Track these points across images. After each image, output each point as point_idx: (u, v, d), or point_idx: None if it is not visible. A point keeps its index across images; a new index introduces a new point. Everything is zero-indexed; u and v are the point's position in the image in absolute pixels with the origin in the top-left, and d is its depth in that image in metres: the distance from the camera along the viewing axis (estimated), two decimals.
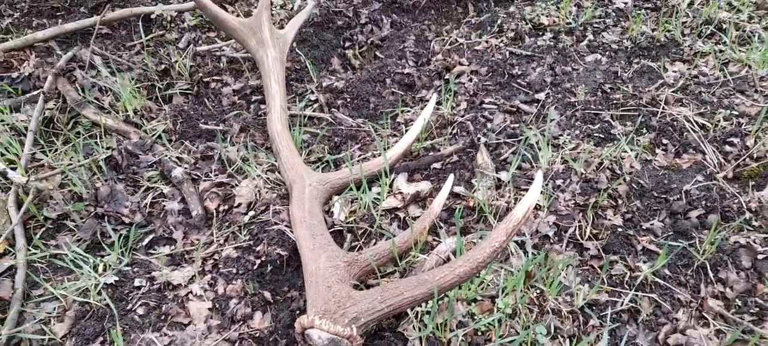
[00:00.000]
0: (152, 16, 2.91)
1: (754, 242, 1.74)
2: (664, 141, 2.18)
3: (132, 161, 2.06)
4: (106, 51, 2.70)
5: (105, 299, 1.58)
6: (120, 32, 2.90)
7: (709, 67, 2.58)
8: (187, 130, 2.22)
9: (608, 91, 2.47)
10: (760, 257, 1.70)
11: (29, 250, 1.74)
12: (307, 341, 1.34)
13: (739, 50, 2.65)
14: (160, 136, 2.17)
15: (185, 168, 2.02)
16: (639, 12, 3.04)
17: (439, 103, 2.38)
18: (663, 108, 2.30)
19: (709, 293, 1.63)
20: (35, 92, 2.37)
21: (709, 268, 1.68)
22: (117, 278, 1.65)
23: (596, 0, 3.17)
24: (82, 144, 2.11)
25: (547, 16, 3.04)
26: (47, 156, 2.08)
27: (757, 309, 1.58)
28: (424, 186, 1.93)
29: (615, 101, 2.38)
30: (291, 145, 1.98)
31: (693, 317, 1.58)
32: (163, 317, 1.57)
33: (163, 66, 2.60)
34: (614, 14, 3.06)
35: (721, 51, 2.66)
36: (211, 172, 2.04)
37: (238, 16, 2.90)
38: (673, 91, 2.40)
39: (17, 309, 1.56)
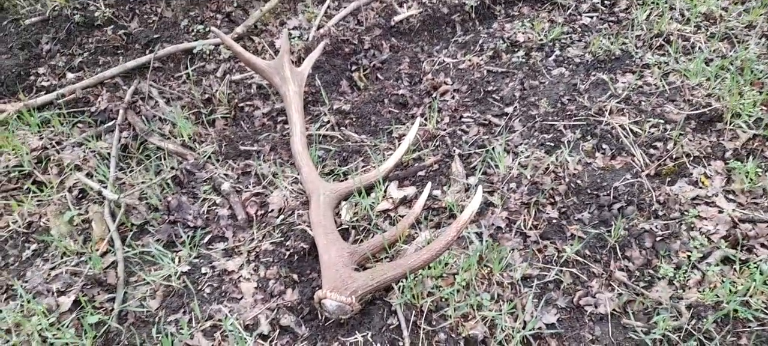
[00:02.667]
0: (195, 51, 3.55)
1: (656, 228, 2.31)
2: (604, 146, 2.74)
3: (190, 178, 2.73)
4: (159, 83, 3.36)
5: (183, 282, 2.25)
6: (169, 65, 3.56)
7: (653, 77, 3.10)
8: (230, 152, 2.88)
9: (566, 103, 3.02)
10: (658, 239, 2.28)
11: (124, 248, 2.42)
12: (323, 307, 2.00)
13: (682, 61, 3.16)
14: (209, 157, 2.83)
15: (230, 182, 2.68)
16: (602, 26, 3.56)
17: (425, 119, 2.97)
18: (606, 117, 2.85)
19: (616, 267, 2.22)
20: (110, 123, 3.05)
21: (618, 248, 2.26)
22: (189, 268, 2.33)
23: (566, 17, 3.69)
24: (153, 165, 2.78)
25: (522, 33, 3.58)
26: (127, 176, 2.76)
27: (649, 278, 2.17)
28: (410, 191, 2.55)
29: (569, 112, 2.94)
30: (309, 162, 2.62)
31: (603, 285, 2.17)
32: (223, 294, 2.24)
33: (206, 95, 3.25)
34: (580, 30, 3.58)
35: (666, 63, 3.18)
36: (250, 184, 2.69)
37: (263, 50, 3.52)
38: (617, 102, 2.94)
39: (123, 291, 2.25)
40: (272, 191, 2.64)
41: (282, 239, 2.42)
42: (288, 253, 2.35)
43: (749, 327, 1.94)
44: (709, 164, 2.56)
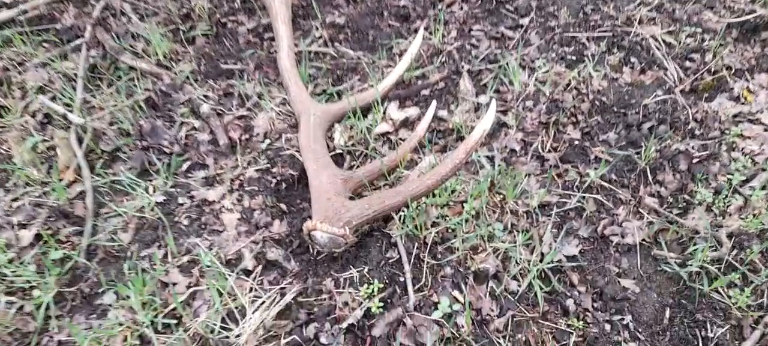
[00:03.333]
0: None
1: (692, 149, 2.03)
2: (632, 59, 2.42)
3: (166, 100, 2.44)
4: None
5: (157, 214, 2.01)
6: None
7: None
8: (210, 70, 2.57)
9: (589, 12, 2.68)
10: (695, 160, 2.00)
11: (93, 177, 2.16)
12: (313, 240, 1.75)
13: None
14: (187, 77, 2.53)
15: (211, 104, 2.39)
16: None
17: (430, 33, 2.64)
18: (636, 27, 2.51)
19: (646, 192, 1.95)
20: (78, 41, 2.73)
21: (649, 171, 1.99)
22: (165, 198, 2.07)
23: None
24: (124, 87, 2.48)
25: None
26: (96, 99, 2.47)
27: (684, 204, 1.91)
28: (413, 112, 2.26)
29: (593, 23, 2.60)
30: (298, 80, 2.32)
31: (631, 212, 1.92)
32: (203, 226, 1.99)
33: (184, 10, 2.91)
34: None
35: None
36: (232, 106, 2.40)
37: None
38: (647, 10, 2.60)
39: (91, 223, 2.00)
40: (257, 113, 2.36)
41: (268, 165, 2.15)
42: (275, 181, 2.09)
43: None
44: (753, 78, 2.25)
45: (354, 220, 1.72)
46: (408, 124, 2.24)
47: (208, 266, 1.81)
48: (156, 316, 1.71)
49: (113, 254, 1.93)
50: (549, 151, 2.09)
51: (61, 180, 2.14)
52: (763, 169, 1.93)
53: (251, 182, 2.11)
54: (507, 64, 2.37)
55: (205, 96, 2.45)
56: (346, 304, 1.69)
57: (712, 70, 2.28)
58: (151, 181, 2.15)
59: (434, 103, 2.12)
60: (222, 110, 2.39)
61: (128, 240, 1.97)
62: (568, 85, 2.28)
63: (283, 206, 2.03)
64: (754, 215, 1.82)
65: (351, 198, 1.88)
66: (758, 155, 1.97)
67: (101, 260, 1.92)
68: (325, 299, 1.73)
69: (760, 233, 1.77)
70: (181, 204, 2.06)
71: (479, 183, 1.93)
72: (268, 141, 2.24)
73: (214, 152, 2.24)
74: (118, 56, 2.62)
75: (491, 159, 2.05)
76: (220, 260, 1.84)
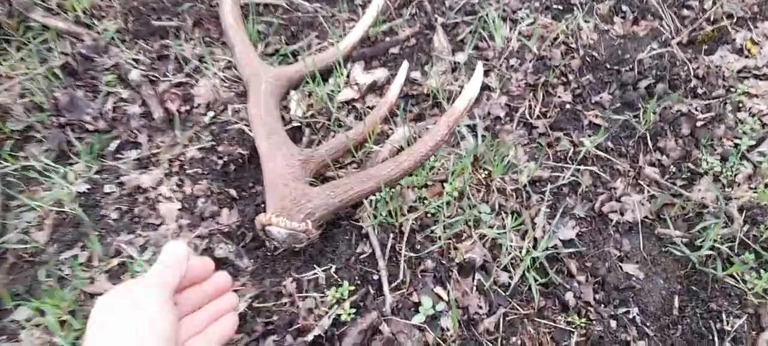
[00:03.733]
0: None
1: (695, 110, 1.81)
2: (624, 7, 2.17)
3: (88, 66, 2.05)
4: None
5: (81, 206, 1.67)
6: None
7: None
8: (140, 29, 2.18)
9: None
10: (699, 124, 1.79)
11: (1, 163, 1.80)
12: (269, 235, 1.46)
13: None
14: (113, 37, 2.14)
15: (142, 70, 2.02)
16: None
17: None
18: None
19: (646, 161, 1.74)
20: None
21: (649, 137, 1.77)
22: (88, 186, 1.73)
23: None
24: (36, 51, 2.08)
25: None
26: (1, 66, 2.06)
27: (689, 174, 1.70)
28: (381, 74, 1.96)
29: None
30: (245, 39, 1.97)
31: (629, 185, 1.70)
32: (136, 220, 1.68)
33: None
34: None
35: None
36: (168, 72, 2.04)
37: None
38: None
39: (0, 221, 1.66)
40: (198, 79, 2.01)
41: (213, 143, 1.83)
42: (222, 161, 1.77)
43: None
44: (756, 26, 2.03)
45: (317, 211, 1.44)
46: (376, 88, 1.94)
47: (137, 272, 1.51)
48: (78, 338, 1.40)
49: (26, 259, 1.60)
50: (538, 117, 1.83)
51: None
52: None
53: (194, 164, 1.79)
54: (486, 15, 2.08)
55: (134, 60, 2.08)
56: (310, 311, 1.43)
57: (712, 19, 2.05)
58: (71, 166, 1.79)
59: (405, 63, 1.82)
60: (156, 77, 2.03)
61: (44, 240, 1.63)
62: (555, 39, 2.01)
63: (233, 192, 1.73)
64: (765, 185, 1.63)
65: (312, 183, 1.59)
66: (766, 116, 1.77)
67: (11, 266, 1.59)
68: (285, 305, 1.46)
69: None
70: (109, 193, 1.73)
71: (461, 158, 1.67)
72: (211, 113, 1.91)
73: (147, 128, 1.90)
74: (28, 13, 2.20)
75: (473, 128, 1.79)
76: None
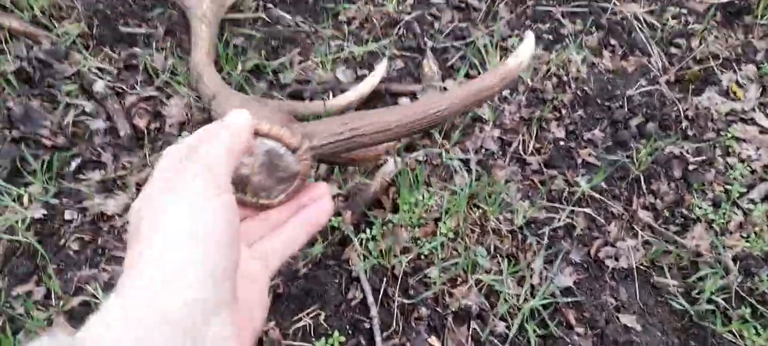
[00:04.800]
0: None
1: (687, 153, 1.80)
2: (612, 41, 2.15)
3: (46, 73, 1.86)
4: None
5: (36, 235, 1.50)
6: None
7: None
8: (106, 34, 2.00)
9: None
10: (690, 167, 1.77)
11: None
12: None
13: None
14: (74, 42, 1.95)
15: (108, 80, 1.85)
16: None
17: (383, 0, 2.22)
18: (614, 4, 2.23)
19: (640, 204, 1.71)
20: None
21: (642, 180, 1.74)
22: (45, 212, 1.56)
23: None
24: None
25: None
26: None
27: (682, 220, 1.68)
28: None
29: None
30: (225, 88, 1.74)
31: (623, 229, 1.67)
32: (99, 252, 1.52)
33: None
34: None
35: None
36: (136, 84, 1.88)
37: None
38: None
39: None
40: (170, 95, 1.85)
41: None
42: None
43: None
44: (740, 69, 2.05)
45: (317, 137, 0.92)
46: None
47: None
48: None
49: None
50: (532, 153, 1.78)
51: None
52: (762, 179, 1.73)
53: None
54: (476, 40, 2.01)
55: (99, 69, 1.90)
56: None
57: (698, 58, 2.06)
58: (25, 186, 1.61)
59: (385, 61, 1.71)
60: (122, 89, 1.86)
61: None
62: (547, 71, 1.96)
63: None
64: (755, 233, 1.62)
65: None
66: (755, 161, 1.78)
67: None
68: None
69: (766, 257, 1.57)
70: (69, 221, 1.56)
71: (455, 195, 1.59)
72: (185, 133, 1.76)
73: (112, 146, 1.74)
74: None
75: (466, 163, 1.71)
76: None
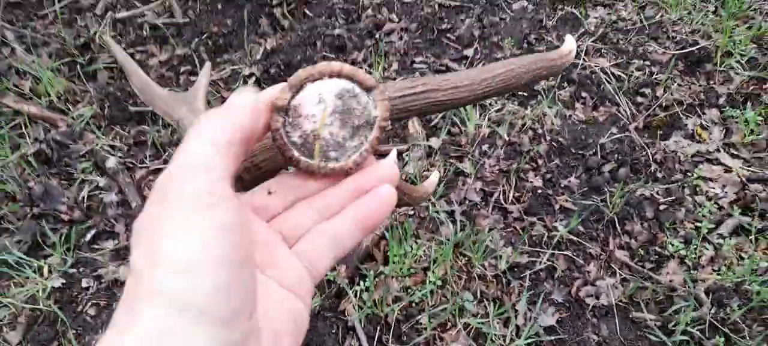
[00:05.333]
0: None
1: (657, 194, 1.93)
2: (584, 94, 2.31)
3: (62, 153, 2.03)
4: (17, 23, 2.55)
5: (56, 303, 1.62)
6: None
7: (628, 11, 2.69)
8: (117, 114, 2.18)
9: (533, 42, 2.55)
10: (661, 207, 1.90)
11: None
12: (297, 115, 0.57)
13: None
14: (88, 123, 2.13)
15: (119, 156, 2.02)
16: None
17: (369, 66, 2.41)
18: (583, 59, 2.41)
19: (616, 245, 1.83)
20: None
21: (617, 222, 1.87)
22: (63, 281, 1.69)
23: None
24: (7, 137, 2.05)
25: None
26: None
27: (656, 257, 1.80)
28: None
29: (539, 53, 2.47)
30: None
31: (602, 268, 1.78)
32: None
33: (82, 39, 2.48)
34: None
35: None
36: (145, 158, 2.04)
37: None
38: (592, 41, 2.51)
39: None
40: None
41: None
42: None
43: None
44: (704, 113, 2.21)
45: (390, 89, 0.81)
46: None
47: None
48: None
49: None
50: (512, 202, 1.91)
51: None
52: (730, 215, 1.86)
53: None
54: None
55: (111, 146, 2.07)
56: None
57: (664, 105, 2.22)
58: (45, 258, 1.75)
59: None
60: (133, 163, 2.03)
61: (17, 340, 1.57)
62: (523, 125, 2.12)
63: None
64: (726, 266, 1.74)
65: None
66: (722, 199, 1.91)
67: None
68: None
69: (737, 288, 1.68)
70: (86, 288, 1.69)
71: (442, 245, 1.72)
72: None
73: (124, 216, 1.88)
74: (0, 98, 2.17)
75: (451, 214, 1.85)
76: None
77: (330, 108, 0.52)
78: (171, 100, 1.86)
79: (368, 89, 0.53)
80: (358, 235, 0.51)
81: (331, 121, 0.52)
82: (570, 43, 1.09)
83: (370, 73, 2.29)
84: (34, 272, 1.69)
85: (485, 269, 1.71)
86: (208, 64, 2.01)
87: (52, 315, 1.61)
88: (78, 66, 2.38)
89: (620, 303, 1.69)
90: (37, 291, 1.65)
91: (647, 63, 2.38)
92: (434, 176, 1.26)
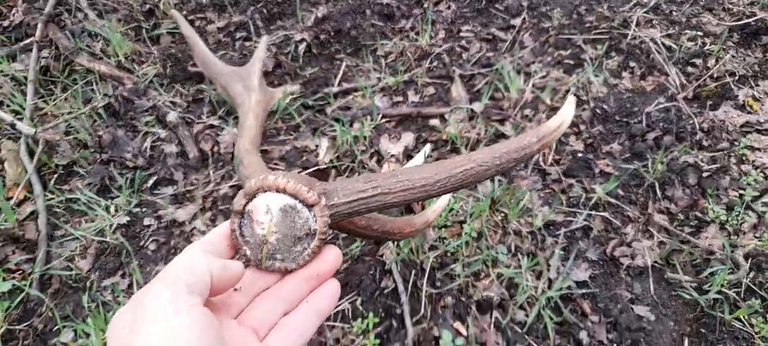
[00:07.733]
0: None
1: (701, 161, 1.91)
2: (632, 64, 2.30)
3: (128, 107, 2.20)
4: None
5: (121, 237, 1.78)
6: None
7: None
8: (178, 74, 2.34)
9: (583, 13, 2.55)
10: (705, 174, 1.89)
11: (46, 195, 1.92)
12: (248, 215, 0.70)
13: None
14: (152, 81, 2.29)
15: (178, 112, 2.16)
16: None
17: (416, 33, 2.47)
18: (633, 30, 2.39)
19: (655, 209, 1.83)
20: (28, 40, 2.46)
21: (657, 186, 1.87)
22: (128, 219, 1.85)
23: None
24: (81, 92, 2.23)
25: None
26: (49, 105, 2.21)
27: (696, 222, 1.79)
28: (409, 138, 2.05)
29: (588, 24, 2.47)
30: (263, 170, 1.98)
31: (640, 231, 1.79)
32: (172, 252, 1.78)
33: (147, 5, 2.66)
34: None
35: None
36: (203, 114, 2.18)
37: None
38: (644, 12, 2.48)
39: (44, 249, 1.77)
40: (230, 121, 2.14)
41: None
42: None
43: None
44: (757, 85, 2.15)
45: (338, 194, 0.77)
46: (408, 153, 2.04)
47: None
48: None
49: (70, 285, 1.71)
50: (551, 164, 1.94)
51: (9, 199, 1.89)
52: None
53: (226, 200, 1.90)
54: (501, 68, 2.22)
55: (171, 102, 2.23)
56: (337, 341, 1.51)
57: (715, 76, 2.18)
58: (112, 199, 1.92)
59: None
60: (191, 119, 2.17)
61: (87, 268, 1.74)
62: (567, 91, 2.14)
63: None
64: None
65: None
66: None
67: (56, 291, 1.70)
68: (314, 336, 1.55)
69: None
70: (147, 226, 1.84)
71: (479, 201, 1.77)
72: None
73: (183, 166, 2.03)
74: (74, 57, 2.37)
75: None
76: None
77: (275, 219, 0.62)
78: (228, 76, 1.97)
79: (310, 206, 0.64)
80: (317, 323, 0.64)
81: (276, 230, 0.63)
82: (567, 111, 0.95)
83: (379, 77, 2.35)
84: (104, 210, 1.86)
85: (521, 226, 1.76)
86: (264, 39, 2.09)
87: (118, 247, 1.77)
88: (143, 30, 2.55)
89: (656, 264, 1.70)
90: (105, 227, 1.81)
91: (700, 33, 2.33)
92: (443, 200, 1.27)
